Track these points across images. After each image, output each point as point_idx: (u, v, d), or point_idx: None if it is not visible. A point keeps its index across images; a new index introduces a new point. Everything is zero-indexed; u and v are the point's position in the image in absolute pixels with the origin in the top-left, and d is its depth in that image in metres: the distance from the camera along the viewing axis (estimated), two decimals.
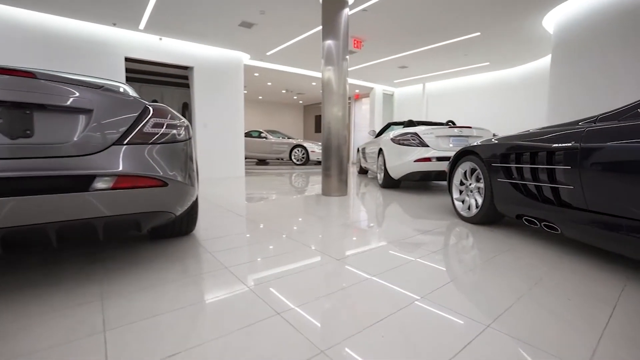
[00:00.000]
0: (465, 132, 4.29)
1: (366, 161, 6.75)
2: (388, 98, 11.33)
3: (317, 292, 1.42)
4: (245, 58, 6.94)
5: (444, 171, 4.20)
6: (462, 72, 8.65)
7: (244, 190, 4.93)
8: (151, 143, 1.51)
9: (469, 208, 2.80)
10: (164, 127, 1.59)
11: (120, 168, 1.36)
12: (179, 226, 2.14)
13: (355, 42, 5.75)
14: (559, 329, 1.14)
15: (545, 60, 7.15)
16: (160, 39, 5.71)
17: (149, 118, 1.54)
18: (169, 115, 1.66)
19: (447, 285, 1.50)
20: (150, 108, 1.58)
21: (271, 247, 2.08)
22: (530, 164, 2.09)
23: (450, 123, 5.35)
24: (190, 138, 1.81)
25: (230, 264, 1.76)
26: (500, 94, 8.52)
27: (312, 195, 4.30)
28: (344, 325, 1.16)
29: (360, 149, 7.46)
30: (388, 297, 1.38)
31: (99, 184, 1.29)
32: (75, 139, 1.27)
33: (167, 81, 7.99)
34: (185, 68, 6.18)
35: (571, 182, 1.80)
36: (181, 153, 1.67)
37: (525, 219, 2.21)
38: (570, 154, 1.80)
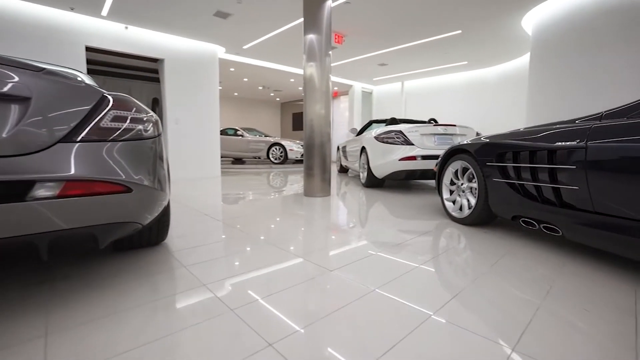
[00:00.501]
0: (450, 130, 4.23)
1: (347, 160, 6.61)
2: (367, 96, 11.27)
3: (312, 314, 1.22)
4: (220, 51, 6.59)
5: (428, 170, 4.13)
6: (440, 71, 8.70)
7: (221, 191, 4.64)
8: (111, 140, 1.25)
9: (460, 209, 2.70)
10: (128, 121, 1.33)
11: (71, 171, 1.09)
12: (148, 236, 1.87)
13: (337, 36, 5.57)
14: (588, 350, 1.01)
15: (521, 61, 7.29)
16: (126, 28, 5.27)
17: (108, 110, 1.27)
18: (134, 108, 1.40)
19: (457, 298, 1.35)
20: (110, 98, 1.31)
21: (254, 258, 1.85)
22: (530, 164, 1.99)
23: (432, 121, 5.31)
24: (159, 135, 1.56)
25: (209, 280, 1.52)
26: (477, 94, 8.65)
27: (294, 196, 4.09)
28: (349, 352, 0.97)
29: (340, 147, 7.32)
30: (395, 315, 1.21)
31: (41, 192, 1.02)
32: (4, 134, 0.99)
33: (135, 75, 7.47)
34: (155, 60, 5.76)
35: (576, 183, 1.71)
36: (149, 152, 1.42)
37: (523, 221, 2.11)
38: (576, 153, 1.70)
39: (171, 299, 1.34)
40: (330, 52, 4.00)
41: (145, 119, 1.44)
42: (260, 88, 11.55)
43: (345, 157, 6.72)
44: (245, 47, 6.45)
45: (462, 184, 2.67)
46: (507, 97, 7.89)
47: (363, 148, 4.97)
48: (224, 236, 2.28)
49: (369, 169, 4.68)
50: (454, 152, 2.78)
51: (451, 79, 9.13)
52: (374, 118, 10.23)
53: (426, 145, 4.14)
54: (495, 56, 7.13)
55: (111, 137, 1.25)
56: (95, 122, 1.21)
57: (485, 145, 2.37)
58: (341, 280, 1.54)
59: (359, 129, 6.59)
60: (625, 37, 3.84)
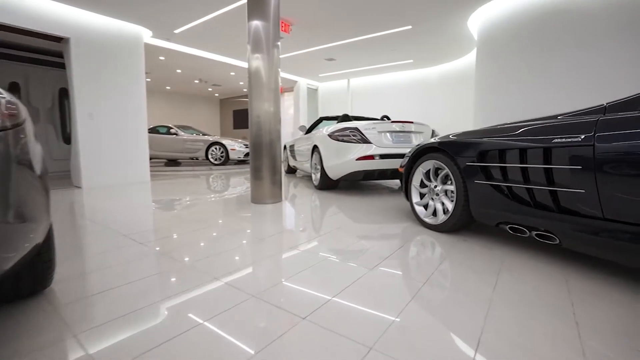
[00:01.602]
0: (407, 127, 4.01)
1: (295, 159, 6.15)
2: (312, 93, 10.92)
3: None
4: (146, 35, 5.65)
5: (387, 170, 3.86)
6: (386, 69, 8.69)
7: (149, 201, 3.86)
8: None
9: (434, 214, 2.41)
10: None
11: None
12: (15, 286, 1.21)
13: (283, 24, 5.07)
14: None
15: (463, 61, 7.53)
16: None
17: None
18: None
19: (483, 349, 0.98)
20: None
21: (198, 305, 1.31)
22: (520, 163, 1.74)
23: (385, 118, 5.11)
24: (18, 126, 0.94)
25: (115, 357, 0.95)
26: (421, 93, 8.82)
27: (239, 204, 3.51)
28: None
29: (287, 146, 6.83)
30: None
31: None
32: None
33: (34, 58, 6.09)
34: (58, 40, 4.66)
35: (581, 185, 1.47)
36: None
37: (512, 227, 1.87)
38: (580, 151, 1.46)
39: None
40: (278, 43, 3.50)
41: None
42: (197, 82, 10.51)
43: (294, 156, 6.25)
44: (176, 31, 5.61)
45: (435, 187, 2.39)
46: (450, 96, 8.13)
47: (315, 147, 4.55)
48: (147, 270, 1.67)
49: (322, 169, 4.29)
50: (425, 151, 2.50)
51: (396, 77, 9.19)
52: (320, 116, 9.93)
53: (384, 143, 3.87)
54: (439, 55, 7.24)
55: None
56: None
57: (466, 143, 2.09)
58: (311, 333, 1.08)
59: (307, 127, 6.16)
60: (568, 39, 3.96)
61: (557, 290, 1.41)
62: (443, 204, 2.33)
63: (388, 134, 3.92)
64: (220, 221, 2.71)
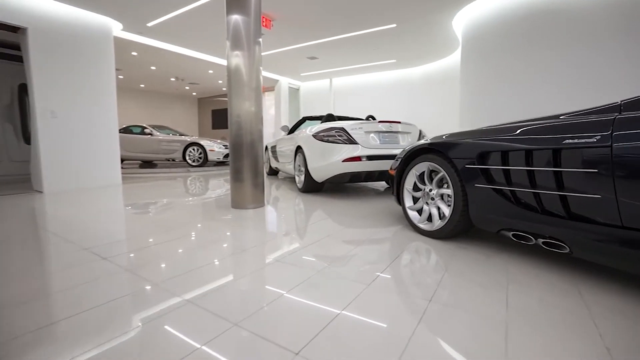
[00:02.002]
0: (394, 127, 3.88)
1: (277, 161, 5.93)
2: (294, 92, 10.70)
3: None
4: (116, 28, 5.27)
5: (374, 171, 3.71)
6: (369, 69, 8.60)
7: (119, 207, 3.54)
8: None
9: (429, 219, 2.27)
10: None
11: None
12: None
13: (265, 20, 4.84)
14: None
15: (445, 62, 7.53)
16: None
17: None
18: None
19: None
20: None
21: (166, 342, 1.08)
22: (527, 166, 1.61)
23: (370, 118, 4.97)
24: None
25: None
26: (403, 93, 8.78)
27: (219, 209, 3.26)
28: None
29: (269, 147, 6.59)
30: None
31: None
32: None
33: None
34: (14, 29, 4.24)
35: (596, 190, 1.35)
36: None
37: (515, 235, 1.74)
38: (596, 153, 1.34)
39: None
40: (260, 40, 3.27)
41: None
42: (173, 80, 10.06)
43: (276, 158, 6.02)
44: (149, 24, 5.26)
45: (430, 190, 2.24)
46: (433, 97, 8.13)
47: (299, 148, 4.35)
48: (105, 294, 1.42)
49: (307, 171, 4.09)
50: (418, 152, 2.35)
51: (379, 77, 9.13)
52: (302, 116, 9.73)
53: (371, 144, 3.71)
54: (423, 55, 7.21)
55: None
56: None
57: (463, 144, 1.95)
58: None
59: (290, 127, 5.94)
60: (557, 37, 3.95)
61: (574, 306, 1.27)
62: (439, 208, 2.19)
63: (375, 135, 3.77)
64: (197, 230, 2.46)
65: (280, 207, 3.38)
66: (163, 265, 1.71)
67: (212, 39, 6.00)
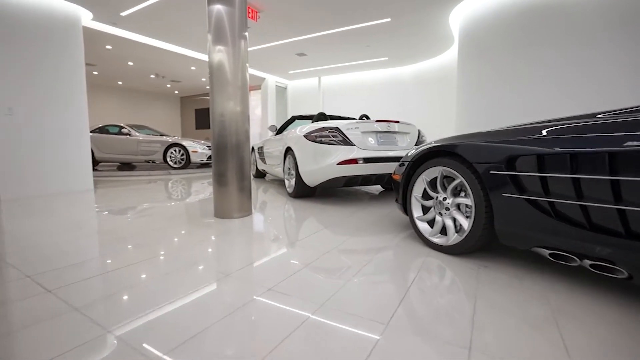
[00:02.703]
0: (392, 127, 3.59)
1: (265, 163, 5.57)
2: (281, 91, 10.34)
3: None
4: (85, 17, 4.80)
5: (372, 175, 3.41)
6: (360, 67, 8.33)
7: (84, 217, 3.11)
8: None
9: (442, 232, 1.98)
10: None
11: None
12: None
13: (251, 11, 4.48)
14: None
15: (439, 60, 7.32)
16: None
17: None
18: None
19: None
20: None
21: None
22: (573, 173, 1.33)
23: (364, 117, 4.67)
24: None
25: None
26: (394, 93, 8.55)
27: (200, 219, 2.89)
28: None
29: (256, 148, 6.22)
30: None
31: None
32: None
33: None
34: None
35: None
36: None
37: (553, 254, 1.46)
38: None
39: None
40: (246, 33, 2.92)
41: None
42: (153, 77, 9.53)
43: (263, 159, 5.66)
44: (123, 14, 4.82)
45: (444, 199, 1.94)
46: (425, 96, 7.92)
47: (288, 149, 4.02)
48: (40, 351, 1.05)
49: (297, 175, 3.75)
50: (429, 155, 2.06)
51: (369, 76, 8.87)
52: (290, 116, 9.39)
53: (368, 145, 3.41)
54: (416, 53, 6.97)
55: None
56: None
57: (487, 146, 1.67)
58: None
59: (278, 127, 5.58)
60: (560, 34, 3.75)
61: None
62: (455, 220, 1.90)
63: (372, 135, 3.48)
64: (171, 248, 2.09)
65: (270, 216, 3.04)
66: (124, 302, 1.35)
67: (194, 32, 5.59)
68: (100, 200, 3.97)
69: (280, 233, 2.43)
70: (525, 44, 4.02)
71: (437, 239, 1.97)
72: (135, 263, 1.77)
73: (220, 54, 2.79)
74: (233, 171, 2.90)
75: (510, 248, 1.99)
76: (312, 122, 4.15)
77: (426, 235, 2.04)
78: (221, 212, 2.92)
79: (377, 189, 4.78)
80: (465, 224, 1.80)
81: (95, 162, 8.44)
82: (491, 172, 1.63)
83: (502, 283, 1.52)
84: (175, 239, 2.25)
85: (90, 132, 8.47)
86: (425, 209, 2.12)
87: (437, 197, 1.99)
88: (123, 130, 8.26)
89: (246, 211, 2.99)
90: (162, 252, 1.97)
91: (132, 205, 3.55)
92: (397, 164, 3.35)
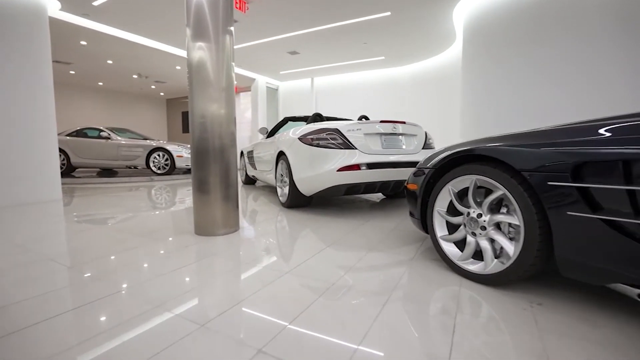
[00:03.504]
0: (398, 128, 3.21)
1: (255, 168, 5.14)
2: (272, 93, 9.92)
3: None
4: (53, 6, 4.32)
5: (376, 183, 3.03)
6: (354, 67, 7.98)
7: (39, 235, 2.63)
8: None
9: (475, 256, 1.59)
10: None
11: None
12: None
13: (239, 1, 4.07)
14: None
15: (439, 59, 7.02)
16: None
17: None
18: None
19: None
20: None
21: None
22: None
23: (363, 119, 4.29)
24: None
25: None
26: (390, 94, 8.23)
27: (178, 238, 2.45)
28: None
29: (245, 152, 5.79)
30: None
31: None
32: None
33: None
34: None
35: None
36: None
37: None
38: None
39: None
40: (232, 28, 2.51)
41: None
42: (136, 77, 9.01)
43: (253, 165, 5.23)
44: (95, 3, 4.34)
45: (478, 216, 1.55)
46: (421, 98, 7.61)
47: (281, 154, 3.61)
48: None
49: (292, 183, 3.34)
50: (458, 161, 1.67)
51: (364, 77, 8.54)
52: (281, 118, 8.99)
53: (371, 149, 3.03)
54: (414, 51, 6.65)
55: None
56: None
57: (543, 150, 1.28)
58: None
59: (269, 129, 5.16)
60: (575, 28, 3.43)
61: None
62: (493, 241, 1.51)
63: (376, 137, 3.09)
64: (135, 280, 1.65)
65: (261, 232, 2.61)
66: None
67: (176, 27, 5.15)
68: (65, 212, 3.48)
69: (273, 254, 2.01)
70: (536, 38, 3.71)
71: (471, 266, 1.58)
72: (90, 303, 1.33)
73: (201, 52, 2.36)
74: (217, 179, 2.47)
75: (554, 277, 1.61)
76: (308, 123, 3.75)
77: (455, 260, 1.65)
78: (202, 228, 2.48)
79: (377, 196, 4.40)
80: (510, 248, 1.41)
81: (72, 168, 7.87)
82: (550, 183, 1.24)
83: (570, 332, 1.13)
84: (145, 265, 1.81)
85: (67, 135, 7.95)
86: (452, 227, 1.73)
87: (468, 213, 1.60)
88: (102, 133, 7.71)
89: (232, 226, 2.55)
90: (125, 284, 1.52)
91: (101, 219, 3.08)
92: (408, 170, 2.98)
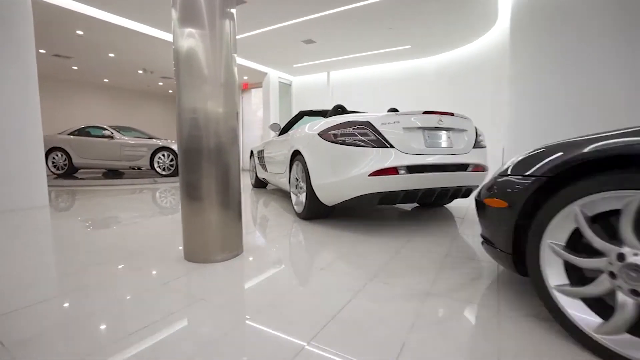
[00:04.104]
0: (446, 121, 2.53)
1: (266, 170, 4.55)
2: (285, 89, 9.33)
3: None
4: None
5: (418, 191, 2.37)
6: (376, 58, 7.31)
7: (6, 254, 2.08)
8: None
9: (631, 328, 0.93)
10: None
11: None
12: None
13: None
14: None
15: (474, 47, 6.28)
16: None
17: None
18: None
19: None
20: None
21: None
22: None
23: (392, 111, 3.63)
24: None
25: None
26: (413, 88, 7.52)
27: (163, 267, 1.85)
28: None
29: (255, 152, 5.20)
30: None
31: None
32: None
33: None
34: None
35: None
36: None
37: None
38: None
39: None
40: (233, 10, 1.89)
41: None
42: (141, 72, 8.54)
43: (263, 166, 4.64)
44: None
45: (636, 255, 0.89)
46: (449, 92, 6.88)
47: (296, 153, 2.99)
48: None
49: (309, 189, 2.72)
50: (589, 165, 1.02)
51: (385, 70, 7.84)
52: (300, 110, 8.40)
53: (412, 147, 2.36)
54: (446, 37, 5.85)
55: None
56: None
57: None
58: None
59: (282, 125, 4.55)
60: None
61: None
62: None
63: (417, 133, 2.43)
64: (100, 334, 1.05)
65: (271, 258, 1.99)
66: None
67: None
68: (44, 223, 2.95)
69: (288, 293, 1.39)
70: (605, 15, 2.98)
71: (633, 351, 0.91)
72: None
73: (191, 40, 1.76)
74: (211, 186, 1.86)
75: None
76: (327, 117, 3.11)
77: (591, 332, 0.99)
78: (193, 253, 1.88)
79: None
80: None
81: (74, 169, 7.45)
82: None
83: None
84: (116, 308, 1.21)
85: (69, 134, 7.53)
86: (574, 271, 1.07)
87: (621, 255, 0.93)
88: (105, 132, 7.26)
89: (232, 249, 1.95)
90: (80, 347, 0.93)
91: (83, 234, 2.53)
92: (456, 174, 2.34)
